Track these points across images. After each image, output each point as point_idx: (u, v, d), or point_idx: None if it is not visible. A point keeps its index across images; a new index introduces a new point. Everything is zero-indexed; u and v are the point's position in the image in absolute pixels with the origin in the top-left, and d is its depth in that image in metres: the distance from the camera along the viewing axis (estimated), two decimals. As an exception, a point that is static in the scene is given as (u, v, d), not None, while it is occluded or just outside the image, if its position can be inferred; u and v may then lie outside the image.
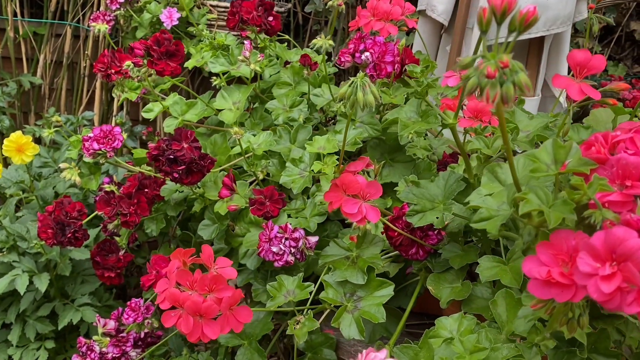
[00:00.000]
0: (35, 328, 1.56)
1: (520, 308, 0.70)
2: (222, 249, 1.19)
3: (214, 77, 1.32)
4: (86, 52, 2.19)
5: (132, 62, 0.95)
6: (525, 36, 1.36)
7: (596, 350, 0.72)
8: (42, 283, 1.50)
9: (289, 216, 1.05)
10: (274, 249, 0.81)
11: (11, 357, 1.50)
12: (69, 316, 1.54)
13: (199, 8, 1.90)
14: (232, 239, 1.10)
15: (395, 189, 1.00)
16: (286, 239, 0.83)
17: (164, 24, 1.72)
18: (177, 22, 1.73)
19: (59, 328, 1.50)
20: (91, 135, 1.02)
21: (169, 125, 1.09)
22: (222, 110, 1.12)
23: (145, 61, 0.91)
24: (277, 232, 0.83)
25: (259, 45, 1.40)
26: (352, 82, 0.64)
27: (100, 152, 1.01)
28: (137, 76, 0.95)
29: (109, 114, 2.25)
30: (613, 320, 0.73)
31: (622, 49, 2.73)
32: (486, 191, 0.57)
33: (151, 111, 1.13)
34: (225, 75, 1.29)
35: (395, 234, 0.92)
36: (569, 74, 1.78)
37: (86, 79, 2.32)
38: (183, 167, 0.98)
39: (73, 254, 1.56)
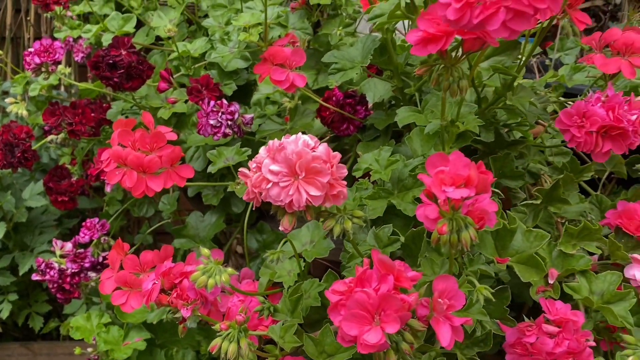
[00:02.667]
0: (-4, 281, 1.58)
1: (431, 143, 0.78)
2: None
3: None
4: (28, 18, 2.19)
5: (65, -31, 0.99)
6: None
7: (504, 174, 0.81)
8: (0, 230, 1.52)
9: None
10: (212, 122, 0.87)
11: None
12: (29, 262, 1.56)
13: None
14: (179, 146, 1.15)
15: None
16: (222, 112, 0.89)
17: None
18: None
19: (20, 274, 1.52)
20: (32, 50, 1.05)
21: (107, 39, 1.13)
22: (159, 27, 1.17)
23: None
24: (214, 107, 0.89)
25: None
26: None
27: (42, 65, 1.05)
28: (71, -17, 0.99)
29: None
30: (516, 145, 0.82)
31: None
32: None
33: (90, 31, 1.17)
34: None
35: (327, 113, 1.00)
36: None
37: (31, 51, 2.31)
38: (122, 71, 1.03)
39: (29, 202, 1.58)
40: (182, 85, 1.25)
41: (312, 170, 0.54)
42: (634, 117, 0.66)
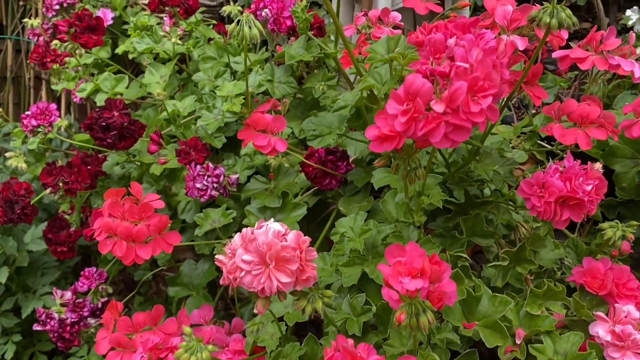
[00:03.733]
0: (0, 323, 1.63)
1: (404, 208, 0.83)
2: (166, 214, 1.29)
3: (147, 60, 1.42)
4: (28, 62, 2.26)
5: (58, 39, 1.04)
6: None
7: (474, 233, 0.85)
8: (2, 275, 1.56)
9: (220, 172, 1.16)
10: (198, 185, 0.92)
11: (-21, 354, 1.56)
12: (32, 305, 1.60)
13: (132, 7, 1.99)
14: (171, 199, 1.20)
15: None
16: (208, 176, 0.94)
17: (99, 25, 1.80)
18: (111, 22, 1.80)
19: (23, 317, 1.57)
20: (29, 113, 1.11)
21: (100, 100, 1.19)
22: (151, 84, 1.22)
23: (69, 37, 1.01)
24: (200, 171, 0.94)
25: (185, 29, 1.51)
26: (239, 19, 0.75)
27: (39, 127, 1.10)
28: (64, 51, 1.04)
29: (57, 121, 2.31)
30: (485, 206, 0.87)
31: None
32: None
33: (84, 90, 1.22)
34: (156, 60, 1.40)
35: (310, 168, 1.04)
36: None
37: (32, 90, 2.38)
38: (115, 132, 1.08)
39: (30, 246, 1.63)
40: (173, 137, 1.30)
41: (281, 259, 0.58)
42: (589, 188, 0.71)
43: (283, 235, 0.60)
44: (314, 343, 0.77)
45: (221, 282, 0.63)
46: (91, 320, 1.30)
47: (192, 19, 1.47)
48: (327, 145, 0.89)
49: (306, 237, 0.62)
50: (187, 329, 0.64)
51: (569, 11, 0.63)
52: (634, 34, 0.78)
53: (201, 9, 2.19)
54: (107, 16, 1.80)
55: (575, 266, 1.00)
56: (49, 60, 1.31)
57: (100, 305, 1.31)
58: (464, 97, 0.48)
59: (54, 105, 1.13)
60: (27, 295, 1.63)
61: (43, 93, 2.35)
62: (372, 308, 0.71)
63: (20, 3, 2.22)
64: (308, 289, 0.63)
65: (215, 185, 0.93)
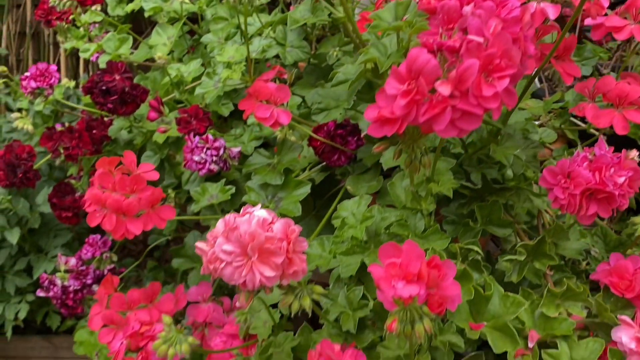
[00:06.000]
0: (14, 283, 1.63)
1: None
2: (172, 183, 1.24)
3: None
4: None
5: (55, -4, 0.99)
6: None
7: (491, 222, 0.78)
8: (14, 236, 1.56)
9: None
10: (196, 158, 0.86)
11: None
12: (43, 266, 1.60)
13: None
14: (175, 168, 1.15)
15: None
16: (207, 148, 0.88)
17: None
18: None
19: (34, 278, 1.57)
20: (28, 74, 1.06)
21: (103, 61, 1.13)
22: (157, 45, 1.16)
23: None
24: (198, 143, 0.88)
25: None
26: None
27: (38, 89, 1.05)
28: (62, 8, 0.99)
29: (76, 79, 2.27)
30: (505, 192, 0.79)
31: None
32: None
33: (87, 51, 1.17)
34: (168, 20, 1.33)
35: (318, 143, 0.97)
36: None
37: (51, 47, 2.34)
38: (116, 97, 1.02)
39: (42, 208, 1.61)
40: (179, 102, 1.24)
41: (265, 251, 0.52)
42: (621, 180, 0.62)
43: (270, 223, 0.54)
44: (309, 332, 0.72)
45: (202, 271, 0.58)
46: (96, 288, 1.28)
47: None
48: (334, 119, 0.82)
49: (295, 226, 0.55)
50: (166, 319, 0.59)
51: (610, -25, 0.54)
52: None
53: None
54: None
55: (602, 259, 0.92)
56: (54, 17, 1.25)
57: (106, 272, 1.28)
58: (475, 78, 0.40)
59: (54, 67, 1.07)
60: (39, 256, 1.63)
61: (62, 50, 2.30)
62: (370, 303, 0.65)
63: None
64: (296, 283, 0.57)
65: (214, 158, 0.88)
